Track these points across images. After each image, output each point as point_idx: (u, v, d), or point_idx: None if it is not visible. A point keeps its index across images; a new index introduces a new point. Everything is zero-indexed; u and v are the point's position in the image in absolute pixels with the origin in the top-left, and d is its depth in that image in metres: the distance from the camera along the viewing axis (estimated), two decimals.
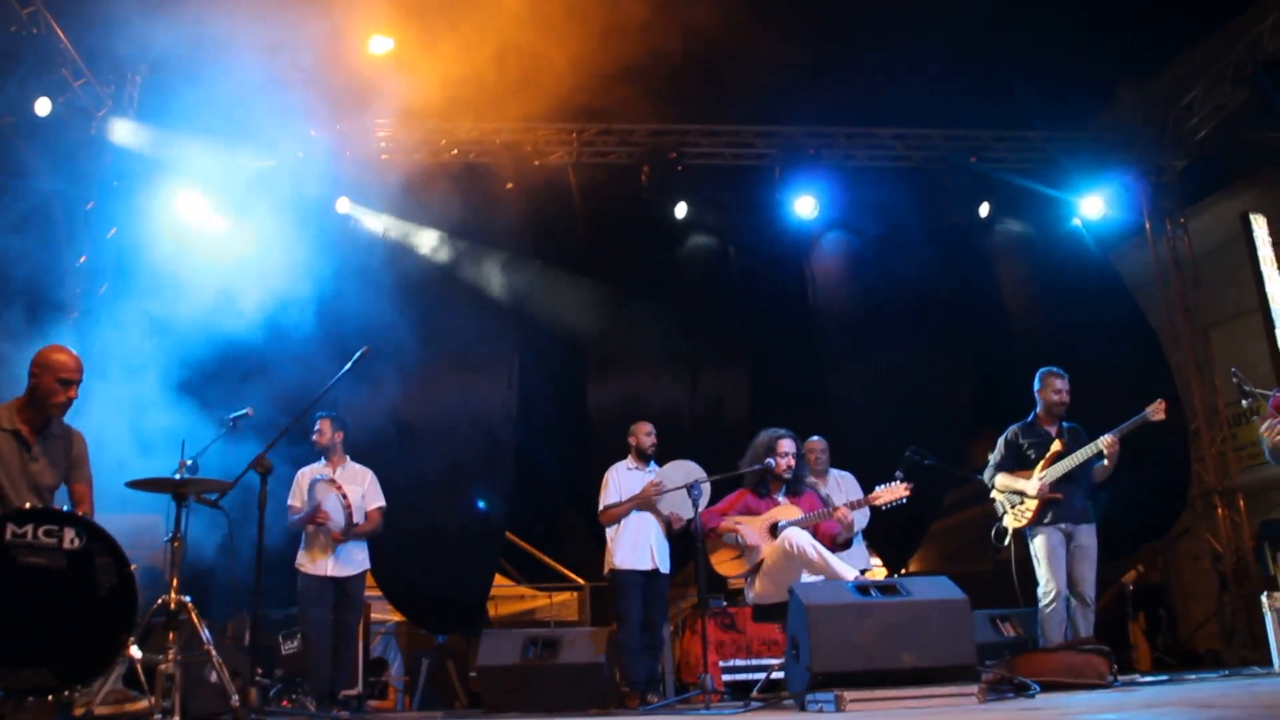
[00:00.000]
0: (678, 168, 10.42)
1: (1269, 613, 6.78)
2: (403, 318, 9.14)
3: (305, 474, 7.54)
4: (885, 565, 11.29)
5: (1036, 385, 7.51)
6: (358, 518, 7.32)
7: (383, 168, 10.02)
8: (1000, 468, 7.42)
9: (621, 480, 7.90)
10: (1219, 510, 10.72)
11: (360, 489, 7.50)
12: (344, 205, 10.07)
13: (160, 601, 5.02)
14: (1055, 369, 7.54)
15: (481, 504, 7.94)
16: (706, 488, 7.18)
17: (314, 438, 7.55)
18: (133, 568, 4.72)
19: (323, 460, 7.57)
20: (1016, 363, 8.82)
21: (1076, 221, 11.16)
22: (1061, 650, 6.46)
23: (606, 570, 7.87)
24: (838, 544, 6.88)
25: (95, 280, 8.85)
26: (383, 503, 7.66)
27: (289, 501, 7.43)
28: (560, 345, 10.23)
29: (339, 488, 7.30)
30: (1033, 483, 7.17)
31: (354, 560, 7.42)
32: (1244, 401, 7.04)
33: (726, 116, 10.42)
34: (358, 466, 7.67)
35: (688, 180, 10.48)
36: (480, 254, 9.99)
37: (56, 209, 8.58)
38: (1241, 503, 10.63)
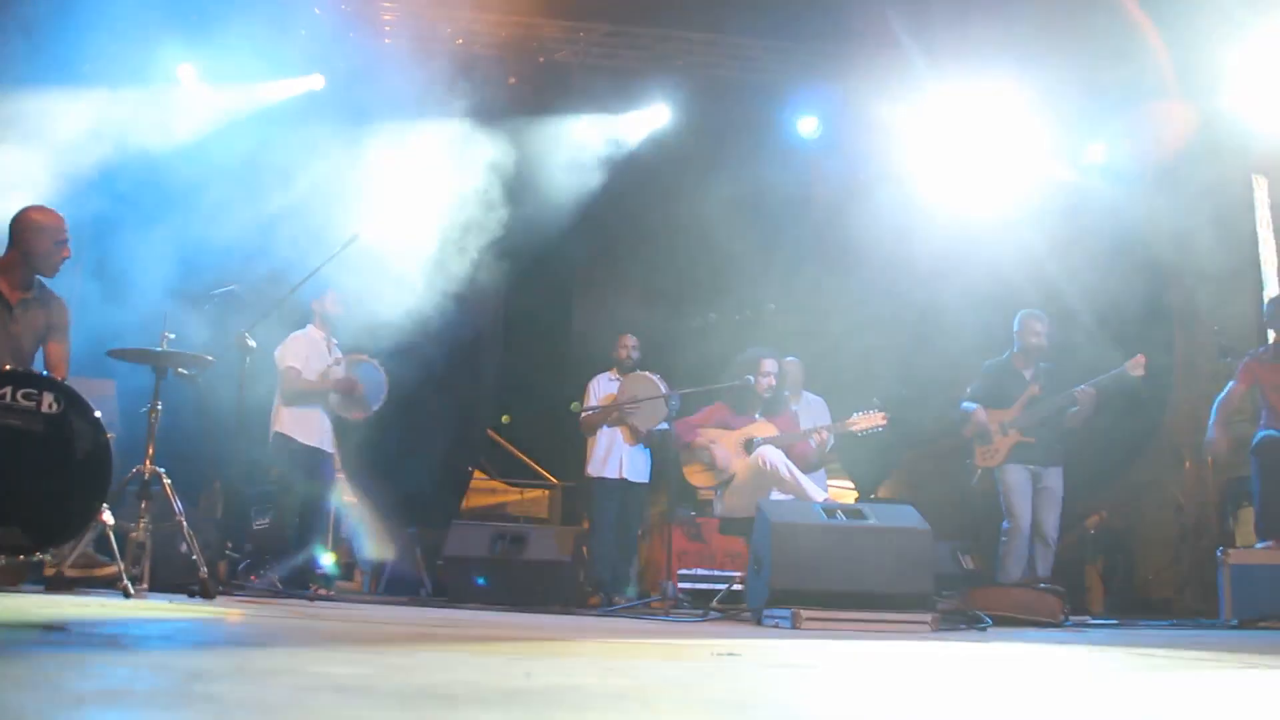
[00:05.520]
0: (681, 76, 10.27)
1: (1222, 567, 6.92)
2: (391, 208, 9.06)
3: (305, 338, 7.16)
4: (856, 489, 11.43)
5: (1016, 327, 7.58)
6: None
7: (385, 51, 9.84)
8: (975, 400, 7.51)
9: (600, 390, 8.23)
10: (1186, 464, 10.83)
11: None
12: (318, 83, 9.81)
13: (135, 470, 5.07)
14: (1035, 311, 7.61)
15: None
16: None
17: (327, 308, 7.17)
18: (110, 436, 4.76)
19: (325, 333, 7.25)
20: (1009, 297, 8.81)
21: (1084, 162, 11.05)
22: (1017, 587, 6.61)
23: (586, 475, 8.16)
24: (808, 467, 6.98)
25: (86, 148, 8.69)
26: None
27: (290, 364, 6.95)
28: (550, 252, 10.15)
29: (379, 364, 7.15)
30: (1003, 426, 7.28)
31: (332, 436, 7.30)
32: (1225, 359, 7.13)
33: (736, 28, 10.20)
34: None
35: (689, 91, 10.33)
36: (477, 149, 9.84)
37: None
38: (1209, 459, 10.73)
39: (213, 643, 2.56)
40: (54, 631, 2.42)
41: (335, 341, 7.30)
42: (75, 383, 5.03)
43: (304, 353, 7.07)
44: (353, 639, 2.96)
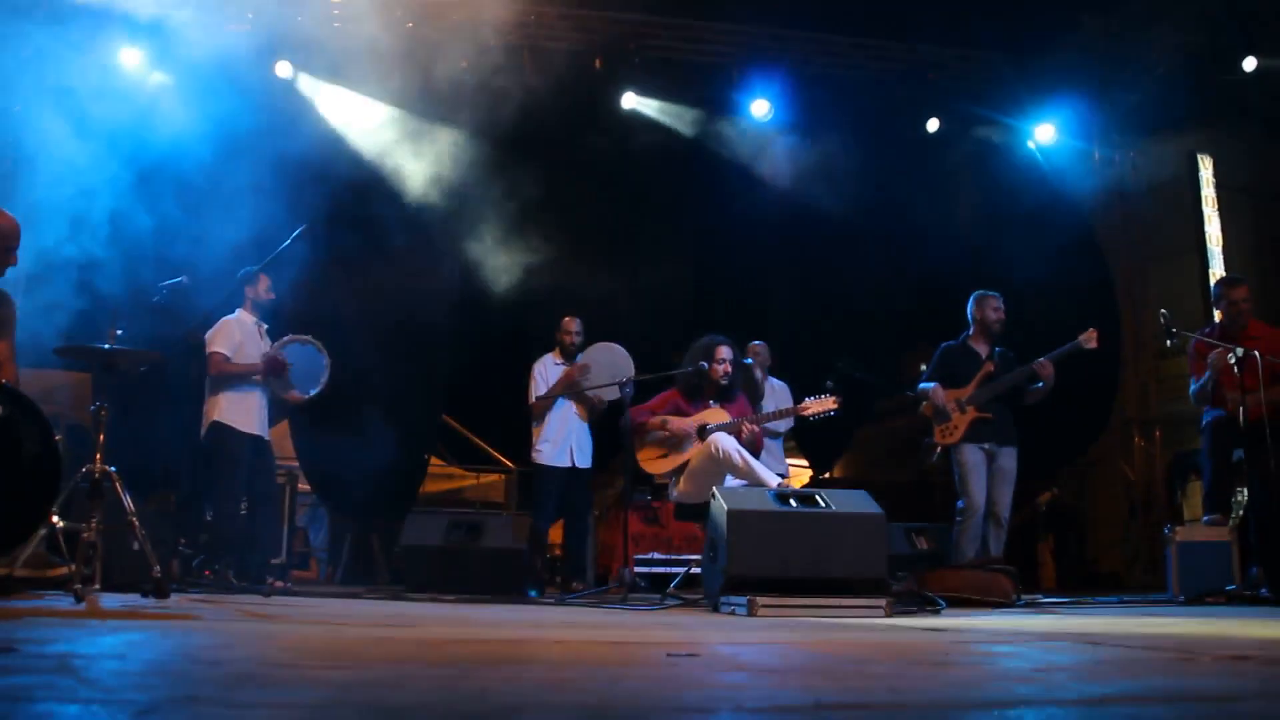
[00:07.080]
0: (635, 60, 10.27)
1: (1170, 544, 7.06)
2: (344, 192, 8.99)
3: (235, 322, 7.07)
4: (811, 468, 11.53)
5: (971, 307, 7.65)
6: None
7: (334, 35, 9.72)
8: (932, 380, 7.58)
9: (548, 374, 8.15)
10: (1136, 440, 11.03)
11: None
12: (285, 69, 9.75)
13: (85, 469, 5.01)
14: (990, 291, 7.68)
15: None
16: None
17: (259, 293, 7.09)
18: (58, 438, 4.69)
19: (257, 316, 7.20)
20: (957, 279, 8.90)
21: (1031, 144, 11.17)
22: (970, 568, 6.69)
23: (532, 461, 8.10)
24: (758, 451, 7.02)
25: (30, 129, 8.54)
26: None
27: (215, 348, 6.90)
28: (503, 230, 10.12)
29: (320, 346, 7.05)
30: (960, 404, 7.35)
31: (270, 419, 7.23)
32: (1169, 342, 7.22)
33: (688, 11, 10.19)
34: None
35: (644, 73, 10.33)
36: (427, 131, 9.76)
37: None
38: (1158, 435, 10.94)
39: (164, 661, 2.54)
40: (1, 654, 2.39)
41: (265, 326, 7.22)
42: (53, 376, 4.94)
43: (235, 337, 6.98)
44: (305, 650, 2.95)
